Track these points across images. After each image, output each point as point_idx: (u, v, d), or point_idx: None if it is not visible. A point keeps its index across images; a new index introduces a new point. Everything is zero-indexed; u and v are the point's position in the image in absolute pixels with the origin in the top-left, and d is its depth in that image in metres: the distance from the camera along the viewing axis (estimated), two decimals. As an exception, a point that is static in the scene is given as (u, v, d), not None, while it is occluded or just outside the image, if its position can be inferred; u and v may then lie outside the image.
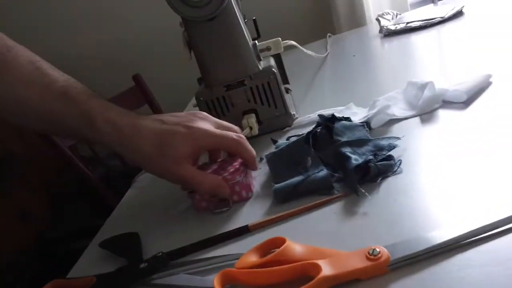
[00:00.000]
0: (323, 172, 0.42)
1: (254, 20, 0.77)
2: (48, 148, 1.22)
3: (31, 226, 1.44)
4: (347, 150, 0.42)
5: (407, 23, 1.01)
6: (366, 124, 0.50)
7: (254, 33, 0.76)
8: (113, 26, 1.80)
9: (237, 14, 0.60)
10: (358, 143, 0.43)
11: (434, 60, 0.78)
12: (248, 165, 0.47)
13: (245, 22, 0.66)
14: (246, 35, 0.62)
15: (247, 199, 0.47)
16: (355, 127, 0.47)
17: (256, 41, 0.64)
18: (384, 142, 0.44)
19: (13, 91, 0.43)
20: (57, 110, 0.43)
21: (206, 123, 0.45)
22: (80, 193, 1.48)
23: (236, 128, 0.49)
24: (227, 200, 0.45)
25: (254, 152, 0.47)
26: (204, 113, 0.48)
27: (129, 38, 1.80)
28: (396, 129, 0.51)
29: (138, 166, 0.44)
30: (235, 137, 0.45)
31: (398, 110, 0.53)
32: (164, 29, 1.70)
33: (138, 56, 1.80)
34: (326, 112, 0.55)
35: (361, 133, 0.46)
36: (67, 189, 1.63)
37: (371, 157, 0.41)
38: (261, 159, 0.55)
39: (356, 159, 0.41)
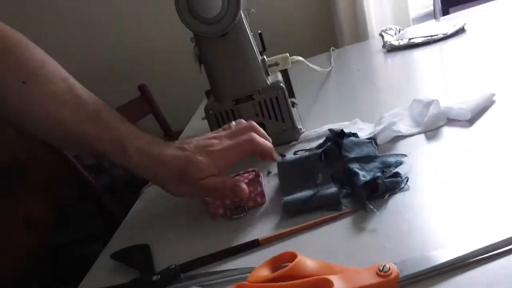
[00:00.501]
0: (333, 188, 0.43)
1: (260, 34, 0.79)
2: (53, 156, 1.23)
3: (36, 233, 1.45)
4: (355, 166, 0.44)
5: (410, 39, 1.03)
6: (373, 140, 0.51)
7: (260, 47, 0.78)
8: (122, 36, 1.82)
9: (247, 30, 0.62)
10: (366, 160, 0.45)
11: (437, 77, 0.80)
12: (267, 157, 0.48)
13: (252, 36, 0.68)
14: (255, 51, 0.63)
15: (261, 204, 0.49)
16: (363, 143, 0.48)
17: (265, 56, 0.66)
18: (391, 159, 0.45)
19: (45, 108, 0.43)
20: (89, 132, 0.44)
21: (222, 141, 0.47)
22: (85, 201, 1.48)
23: (243, 122, 0.51)
24: (243, 207, 0.47)
25: (268, 143, 0.48)
26: (219, 130, 0.50)
27: (137, 48, 1.82)
28: (402, 146, 0.52)
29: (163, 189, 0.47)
30: (246, 138, 0.47)
31: (404, 126, 0.54)
32: (172, 41, 1.73)
33: (145, 67, 1.82)
34: (333, 127, 0.57)
35: (369, 150, 0.47)
36: (72, 197, 1.64)
37: (379, 173, 0.42)
38: (269, 172, 0.56)
39: (364, 175, 0.42)
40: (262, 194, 0.49)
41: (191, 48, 0.66)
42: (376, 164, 0.44)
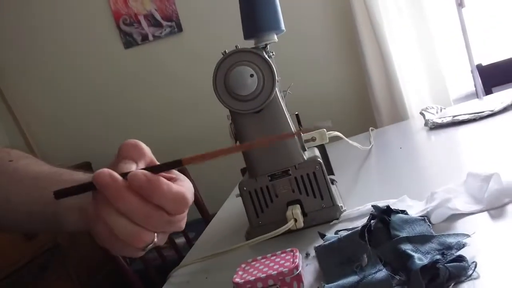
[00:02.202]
0: (382, 272, 0.37)
1: (297, 115, 0.80)
2: (90, 240, 1.22)
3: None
4: (408, 248, 0.37)
5: (454, 116, 0.99)
6: (426, 218, 0.45)
7: (296, 127, 0.78)
8: (159, 121, 1.92)
9: (282, 106, 0.62)
10: (420, 240, 0.38)
11: (488, 153, 0.73)
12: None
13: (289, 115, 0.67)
14: (291, 125, 0.62)
15: None
16: (414, 221, 0.42)
17: (301, 132, 0.64)
18: (452, 240, 0.38)
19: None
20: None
21: None
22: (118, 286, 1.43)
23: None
24: None
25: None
26: None
27: (174, 131, 1.91)
28: (461, 225, 0.45)
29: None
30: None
31: (461, 203, 0.48)
32: (208, 123, 1.81)
33: (181, 148, 1.89)
34: (379, 204, 0.51)
35: (423, 228, 0.41)
36: (106, 282, 1.60)
37: (438, 256, 0.35)
38: (307, 254, 0.50)
39: (420, 258, 0.36)
40: (299, 279, 0.43)
41: (227, 126, 0.66)
42: (433, 245, 0.38)
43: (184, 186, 0.32)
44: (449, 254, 0.36)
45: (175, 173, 0.34)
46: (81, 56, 1.89)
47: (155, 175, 0.30)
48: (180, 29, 1.83)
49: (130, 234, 0.30)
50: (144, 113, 1.92)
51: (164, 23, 1.84)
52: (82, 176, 0.40)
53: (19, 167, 0.42)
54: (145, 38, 1.86)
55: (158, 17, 1.84)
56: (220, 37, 1.71)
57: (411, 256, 0.36)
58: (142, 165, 0.33)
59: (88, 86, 1.92)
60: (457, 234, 0.40)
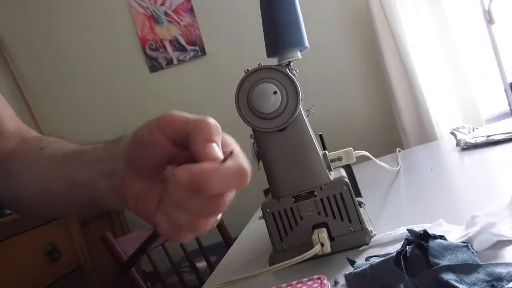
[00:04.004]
0: (423, 305, 0.33)
1: (321, 135, 0.77)
2: (111, 261, 1.21)
3: None
4: (450, 278, 0.34)
5: (488, 136, 0.94)
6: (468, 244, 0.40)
7: (321, 148, 0.75)
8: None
9: (307, 124, 0.60)
10: (464, 269, 0.34)
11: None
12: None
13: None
14: (315, 145, 0.60)
15: None
16: (456, 247, 0.38)
17: (326, 151, 0.62)
18: (501, 270, 0.34)
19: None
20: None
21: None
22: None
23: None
24: None
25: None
26: None
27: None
28: (509, 253, 0.40)
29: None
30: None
31: (507, 229, 0.43)
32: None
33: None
34: (414, 228, 0.47)
35: (466, 256, 0.37)
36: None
37: (488, 288, 0.31)
38: (336, 282, 0.47)
39: (466, 290, 0.32)
40: None
41: (250, 146, 0.65)
42: (480, 275, 0.34)
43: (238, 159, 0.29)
44: (499, 286, 0.32)
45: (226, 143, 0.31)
46: (109, 81, 1.96)
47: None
48: (204, 52, 1.87)
49: (196, 225, 0.29)
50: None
51: (189, 47, 1.88)
52: (102, 151, 0.38)
53: (49, 154, 0.42)
54: (170, 62, 1.90)
55: (182, 41, 1.89)
56: (243, 59, 1.73)
57: (455, 288, 0.32)
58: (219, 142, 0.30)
59: (116, 108, 1.97)
60: (508, 264, 0.35)
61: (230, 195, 0.30)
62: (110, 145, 0.37)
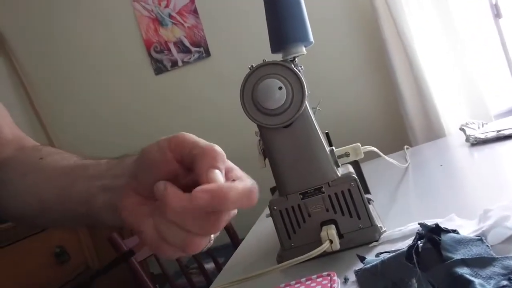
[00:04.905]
0: (437, 300, 0.32)
1: (327, 134, 0.76)
2: (120, 265, 1.21)
3: None
4: (465, 272, 0.33)
5: (499, 131, 0.92)
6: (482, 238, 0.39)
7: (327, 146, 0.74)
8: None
9: (313, 120, 0.59)
10: (479, 263, 0.33)
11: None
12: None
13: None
14: (322, 141, 0.59)
15: None
16: (469, 241, 0.37)
17: (333, 147, 0.61)
18: (518, 263, 0.33)
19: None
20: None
21: None
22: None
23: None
24: None
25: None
26: None
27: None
28: (524, 247, 0.39)
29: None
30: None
31: (521, 222, 0.42)
32: (237, 144, 1.79)
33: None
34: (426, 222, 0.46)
35: (480, 249, 0.36)
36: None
37: (505, 282, 0.30)
38: (346, 279, 0.46)
39: (481, 284, 0.31)
40: None
41: (256, 143, 0.64)
42: (495, 269, 0.33)
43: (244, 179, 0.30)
44: (516, 279, 0.31)
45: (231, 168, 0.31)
46: (115, 83, 1.96)
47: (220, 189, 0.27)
48: (208, 54, 1.87)
49: (184, 243, 0.29)
50: (174, 135, 1.95)
51: (193, 49, 1.88)
52: (104, 167, 0.38)
53: (48, 165, 0.42)
54: (174, 64, 1.90)
55: (187, 43, 1.89)
56: (247, 59, 1.72)
57: (470, 282, 0.31)
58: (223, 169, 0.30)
59: (121, 111, 1.97)
60: (524, 256, 0.34)
61: (232, 214, 0.30)
62: (113, 163, 0.37)
